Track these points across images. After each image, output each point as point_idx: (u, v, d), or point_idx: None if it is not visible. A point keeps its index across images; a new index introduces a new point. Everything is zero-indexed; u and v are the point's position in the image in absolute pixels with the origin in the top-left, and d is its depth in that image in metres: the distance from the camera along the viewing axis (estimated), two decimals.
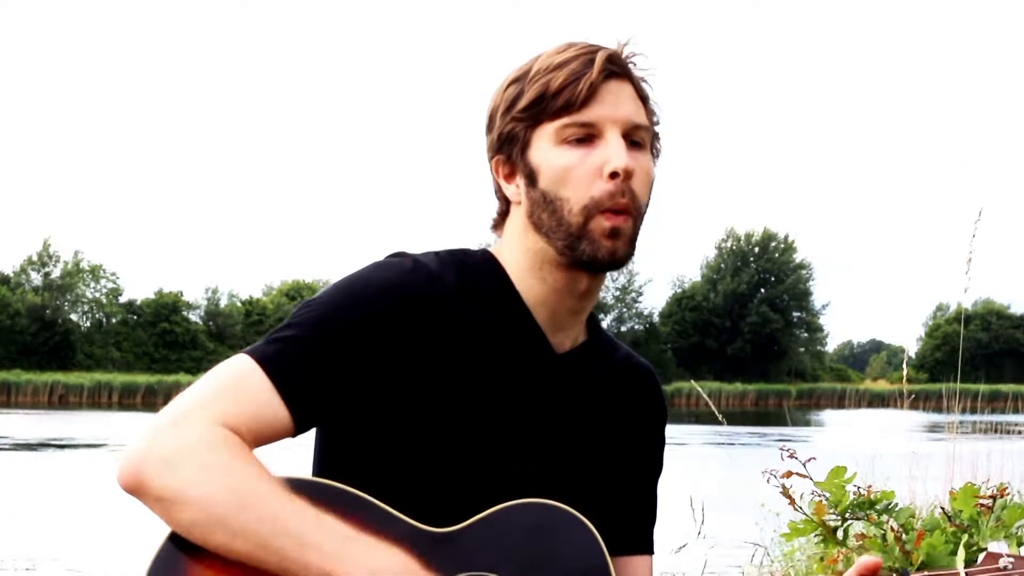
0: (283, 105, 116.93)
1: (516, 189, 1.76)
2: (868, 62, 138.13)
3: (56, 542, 12.03)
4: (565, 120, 1.70)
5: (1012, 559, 1.80)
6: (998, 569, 1.80)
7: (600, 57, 1.71)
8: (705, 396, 6.08)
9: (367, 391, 1.67)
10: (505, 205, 1.80)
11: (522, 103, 1.72)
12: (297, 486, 1.61)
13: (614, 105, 1.72)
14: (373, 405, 1.68)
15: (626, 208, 1.71)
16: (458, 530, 1.67)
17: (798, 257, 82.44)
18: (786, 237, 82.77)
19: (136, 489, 1.57)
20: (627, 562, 1.87)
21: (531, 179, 1.73)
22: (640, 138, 1.74)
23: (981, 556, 1.83)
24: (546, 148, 1.71)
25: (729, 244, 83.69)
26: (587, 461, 1.81)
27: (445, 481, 1.70)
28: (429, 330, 1.69)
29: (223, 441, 1.57)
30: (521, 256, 1.77)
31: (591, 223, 1.70)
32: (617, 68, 1.73)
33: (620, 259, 1.72)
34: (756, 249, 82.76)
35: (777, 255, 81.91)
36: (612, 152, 1.70)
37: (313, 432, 1.76)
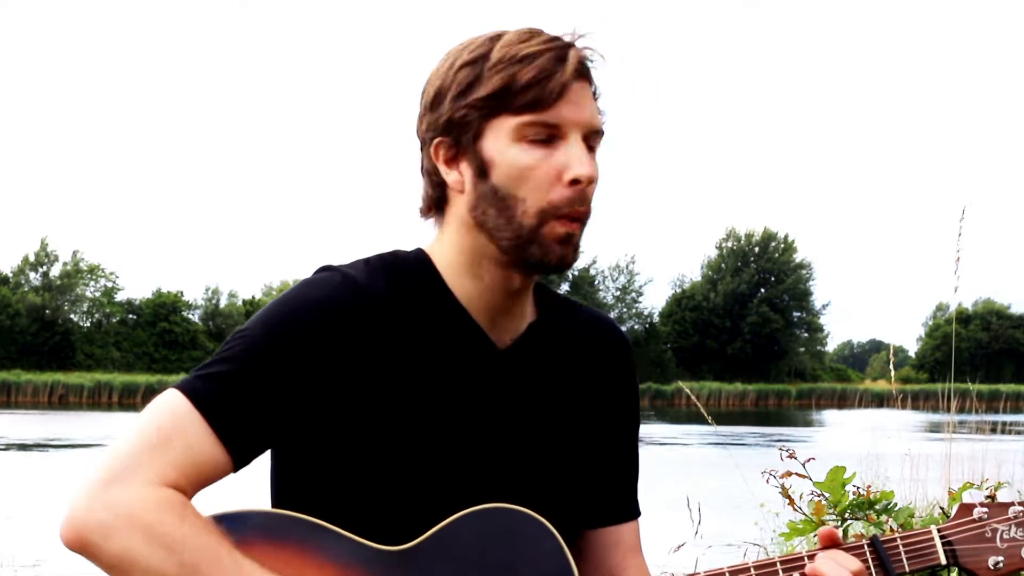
0: (283, 105, 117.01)
1: (458, 177, 1.68)
2: (868, 60, 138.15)
3: (56, 542, 12.00)
4: (529, 118, 1.63)
5: (986, 508, 1.77)
6: (973, 520, 1.77)
7: (573, 57, 1.65)
8: (693, 397, 6.07)
9: (307, 415, 1.63)
10: (436, 191, 1.72)
11: (482, 91, 1.63)
12: (247, 522, 1.59)
13: (578, 107, 1.65)
14: (316, 428, 1.64)
15: (582, 216, 1.66)
16: (415, 546, 1.64)
17: (798, 257, 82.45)
18: (786, 237, 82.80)
19: (82, 552, 1.54)
20: (611, 532, 1.84)
21: (482, 171, 1.66)
22: (595, 143, 1.69)
23: (954, 509, 1.80)
24: (503, 143, 1.64)
25: (729, 244, 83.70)
26: (551, 449, 1.75)
27: (399, 495, 1.65)
28: (363, 343, 1.64)
29: (165, 503, 1.54)
30: (456, 252, 1.71)
31: (545, 227, 1.65)
32: (584, 69, 1.66)
33: (568, 265, 1.68)
34: (756, 249, 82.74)
35: (777, 255, 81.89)
36: (575, 158, 1.64)
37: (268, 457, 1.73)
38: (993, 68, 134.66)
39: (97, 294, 68.74)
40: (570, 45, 1.67)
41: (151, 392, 57.75)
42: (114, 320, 68.87)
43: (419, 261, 1.73)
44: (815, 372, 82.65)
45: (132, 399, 57.16)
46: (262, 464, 1.75)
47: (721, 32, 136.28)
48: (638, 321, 79.56)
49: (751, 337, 79.89)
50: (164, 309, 69.46)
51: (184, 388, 1.60)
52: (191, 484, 1.58)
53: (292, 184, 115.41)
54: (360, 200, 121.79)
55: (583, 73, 1.66)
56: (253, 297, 74.93)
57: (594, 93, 1.69)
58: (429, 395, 1.67)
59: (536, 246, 1.66)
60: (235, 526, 1.58)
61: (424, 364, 1.68)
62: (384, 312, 1.66)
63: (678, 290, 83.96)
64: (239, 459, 1.61)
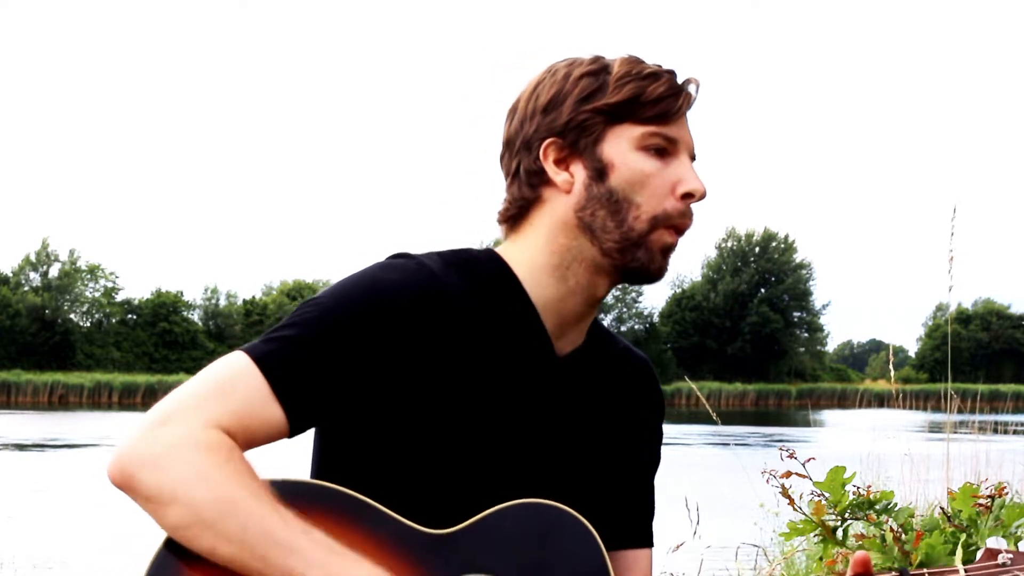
0: (283, 105, 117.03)
1: (568, 177, 1.74)
2: (869, 60, 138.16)
3: (56, 542, 12.03)
4: (653, 129, 1.72)
5: (1011, 555, 1.81)
6: (997, 565, 1.81)
7: (694, 83, 1.76)
8: (700, 395, 6.08)
9: (366, 393, 1.65)
10: (533, 193, 1.76)
11: (611, 98, 1.71)
12: (291, 489, 1.60)
13: (687, 131, 1.77)
14: (373, 407, 1.67)
15: (685, 229, 1.75)
16: (456, 531, 1.66)
17: (798, 257, 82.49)
18: (786, 237, 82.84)
19: (125, 486, 1.56)
20: (627, 555, 1.88)
21: (600, 173, 1.72)
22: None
23: (980, 553, 1.84)
24: (624, 149, 1.72)
25: (729, 244, 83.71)
26: (586, 461, 1.81)
27: (444, 482, 1.69)
28: (432, 332, 1.67)
29: (214, 443, 1.55)
30: (544, 253, 1.75)
31: (654, 234, 1.72)
32: (695, 99, 1.78)
33: (663, 275, 1.76)
34: (756, 249, 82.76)
35: (777, 255, 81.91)
36: (689, 174, 1.74)
37: (312, 432, 1.75)
38: (994, 68, 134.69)
39: (97, 294, 68.76)
40: (674, 72, 1.77)
41: (151, 392, 58.24)
42: (114, 320, 68.89)
43: (492, 260, 1.77)
44: (815, 372, 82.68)
45: (132, 399, 57.18)
46: (301, 441, 1.75)
47: (721, 32, 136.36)
48: (638, 321, 79.61)
49: (751, 337, 79.91)
50: (164, 309, 69.46)
51: (248, 348, 1.63)
52: (244, 435, 1.59)
53: (292, 184, 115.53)
54: (360, 200, 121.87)
55: (693, 102, 1.78)
56: (253, 297, 74.93)
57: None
58: (486, 390, 1.71)
59: (643, 251, 1.73)
60: (276, 489, 1.59)
61: (486, 358, 1.71)
62: (455, 303, 1.70)
63: (678, 290, 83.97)
64: (296, 422, 1.62)
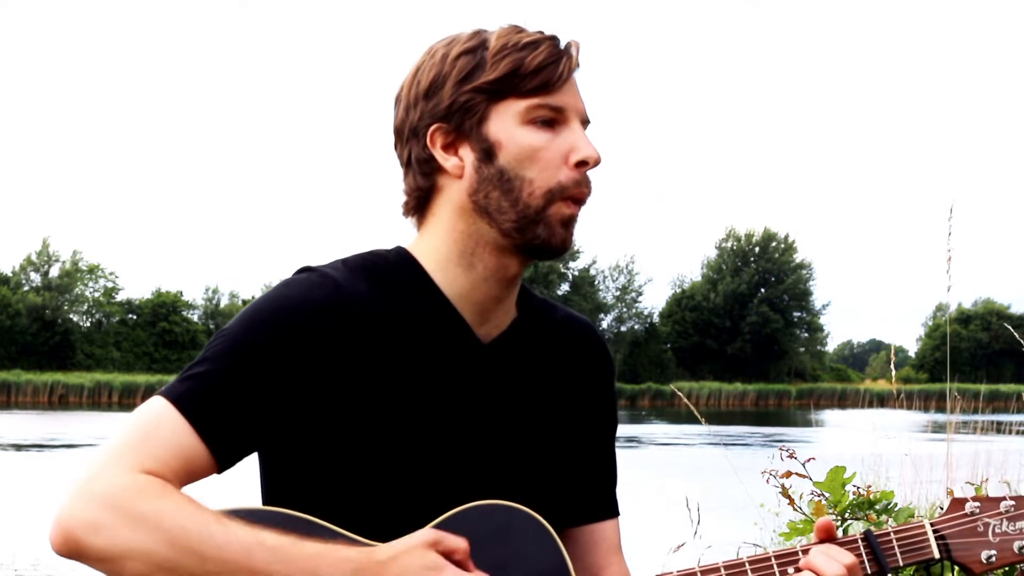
0: (283, 105, 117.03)
1: (458, 162, 1.69)
2: (867, 60, 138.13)
3: None
4: (537, 100, 1.67)
5: (978, 503, 1.78)
6: (965, 514, 1.78)
7: (575, 46, 1.70)
8: (685, 398, 6.07)
9: (292, 414, 1.62)
10: (428, 181, 1.72)
11: (489, 75, 1.66)
12: (239, 517, 1.56)
13: (576, 96, 1.71)
14: (301, 427, 1.64)
15: (584, 198, 1.71)
16: None
17: (798, 257, 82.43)
18: (786, 237, 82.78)
19: (73, 554, 1.51)
20: (594, 529, 1.84)
21: (487, 154, 1.67)
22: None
23: (946, 504, 1.81)
24: (510, 125, 1.67)
25: (729, 244, 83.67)
26: (533, 445, 1.76)
27: (389, 492, 1.65)
28: (344, 342, 1.63)
29: (145, 487, 1.52)
30: (448, 242, 1.71)
31: (551, 208, 1.68)
32: (578, 62, 1.71)
33: (567, 248, 1.70)
34: (756, 249, 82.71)
35: (777, 255, 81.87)
36: (581, 141, 1.69)
37: (256, 460, 1.72)
38: (992, 68, 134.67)
39: (97, 294, 68.74)
40: (556, 37, 1.71)
41: (151, 392, 57.24)
42: (114, 320, 68.86)
43: (400, 257, 1.73)
44: (815, 372, 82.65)
45: (132, 399, 57.14)
46: (249, 465, 1.73)
47: (721, 32, 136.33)
48: (638, 321, 79.56)
49: (751, 337, 79.87)
50: (164, 309, 69.45)
51: (165, 392, 1.60)
52: (173, 477, 1.56)
53: (292, 184, 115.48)
54: (360, 200, 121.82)
55: (578, 65, 1.71)
56: (253, 297, 74.76)
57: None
58: (414, 391, 1.67)
59: (542, 226, 1.68)
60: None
61: (408, 360, 1.68)
62: (365, 310, 1.66)
63: (678, 290, 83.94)
64: (223, 458, 1.60)
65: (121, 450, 1.55)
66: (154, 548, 1.49)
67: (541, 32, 1.71)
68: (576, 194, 1.69)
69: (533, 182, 1.67)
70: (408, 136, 1.73)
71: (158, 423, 1.57)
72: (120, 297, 69.85)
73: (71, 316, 67.30)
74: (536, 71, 1.66)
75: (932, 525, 1.78)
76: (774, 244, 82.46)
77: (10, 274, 67.68)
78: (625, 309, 79.36)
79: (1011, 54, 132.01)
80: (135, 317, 69.64)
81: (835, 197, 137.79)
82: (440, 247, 1.72)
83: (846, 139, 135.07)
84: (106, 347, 67.09)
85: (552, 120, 1.68)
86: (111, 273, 69.54)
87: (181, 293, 70.97)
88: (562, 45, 1.70)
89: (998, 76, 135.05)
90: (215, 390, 1.58)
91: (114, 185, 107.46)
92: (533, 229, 1.67)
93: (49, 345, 65.19)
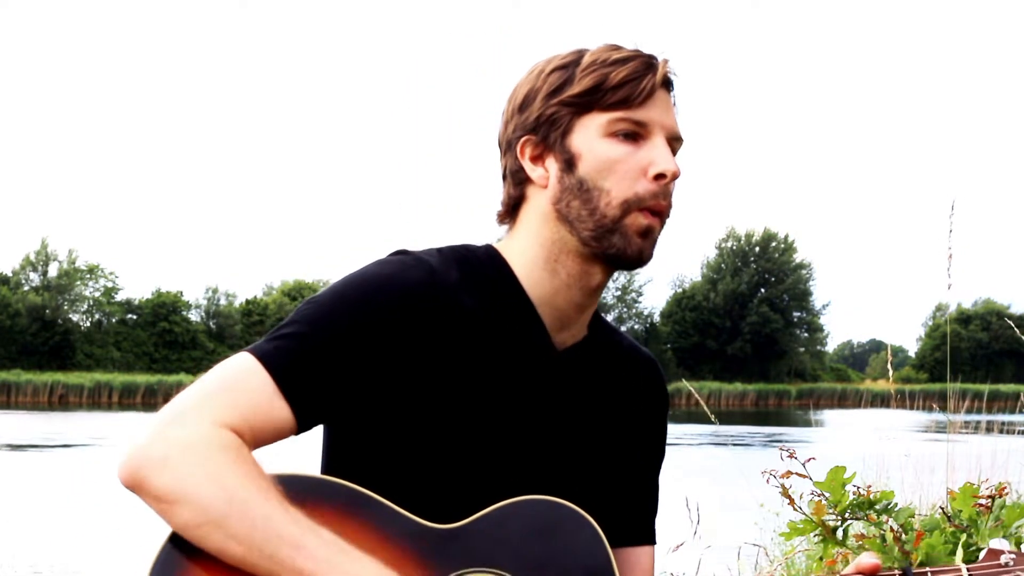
0: (283, 105, 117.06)
1: (543, 172, 1.76)
2: (868, 59, 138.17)
3: (56, 542, 12.03)
4: (619, 114, 1.72)
5: (1013, 555, 1.83)
6: (999, 565, 1.82)
7: (662, 64, 1.75)
8: (697, 394, 6.08)
9: (370, 389, 1.67)
10: (518, 190, 1.79)
11: (575, 89, 1.72)
12: (298, 484, 1.61)
13: (663, 112, 1.75)
14: (376, 402, 1.68)
15: (663, 211, 1.74)
16: (462, 526, 1.67)
17: (798, 257, 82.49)
18: (786, 237, 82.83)
19: (135, 486, 1.57)
20: (630, 553, 1.88)
21: (569, 164, 1.73)
22: (676, 148, 1.78)
23: (983, 553, 1.85)
24: (592, 137, 1.72)
25: (729, 244, 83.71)
26: (588, 457, 1.81)
27: (449, 478, 1.70)
28: (432, 326, 1.69)
29: (222, 442, 1.57)
30: (535, 247, 1.77)
31: (627, 218, 1.72)
32: (668, 80, 1.76)
33: (646, 259, 1.75)
34: (756, 249, 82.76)
35: (777, 255, 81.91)
36: (660, 155, 1.73)
37: (321, 429, 1.76)
38: (992, 68, 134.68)
39: (97, 294, 68.75)
40: (652, 56, 1.76)
41: (151, 392, 58.32)
42: (114, 320, 68.87)
43: (490, 256, 1.79)
44: (815, 372, 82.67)
45: (132, 399, 57.18)
46: (311, 436, 1.76)
47: (722, 32, 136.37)
48: (638, 321, 79.64)
49: (751, 337, 79.91)
50: (164, 309, 69.45)
51: (252, 349, 1.64)
52: (252, 434, 1.60)
53: (292, 184, 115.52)
54: (360, 200, 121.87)
55: (668, 83, 1.76)
56: (254, 297, 74.90)
57: (674, 105, 1.79)
58: (485, 384, 1.72)
59: (618, 236, 1.72)
60: (284, 485, 1.60)
61: (485, 353, 1.72)
62: (454, 299, 1.71)
63: (678, 290, 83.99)
64: (303, 419, 1.64)
65: (204, 400, 1.60)
66: (211, 503, 1.54)
67: (638, 50, 1.75)
68: (653, 205, 1.73)
69: (610, 192, 1.72)
70: (505, 148, 1.80)
71: (245, 379, 1.62)
72: (120, 297, 69.90)
73: (71, 316, 67.32)
74: (619, 86, 1.71)
75: (968, 570, 1.81)
76: (774, 244, 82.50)
77: (10, 274, 67.70)
78: (625, 309, 79.43)
79: (1011, 54, 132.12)
80: (135, 317, 69.66)
81: (835, 197, 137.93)
82: (527, 250, 1.78)
83: (846, 139, 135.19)
84: (106, 347, 67.08)
85: (635, 134, 1.73)
86: (111, 273, 69.62)
87: (181, 293, 71.01)
88: (655, 62, 1.74)
89: (999, 76, 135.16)
90: (303, 353, 1.63)
91: (114, 185, 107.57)
92: (609, 238, 1.72)
93: (49, 345, 65.19)
